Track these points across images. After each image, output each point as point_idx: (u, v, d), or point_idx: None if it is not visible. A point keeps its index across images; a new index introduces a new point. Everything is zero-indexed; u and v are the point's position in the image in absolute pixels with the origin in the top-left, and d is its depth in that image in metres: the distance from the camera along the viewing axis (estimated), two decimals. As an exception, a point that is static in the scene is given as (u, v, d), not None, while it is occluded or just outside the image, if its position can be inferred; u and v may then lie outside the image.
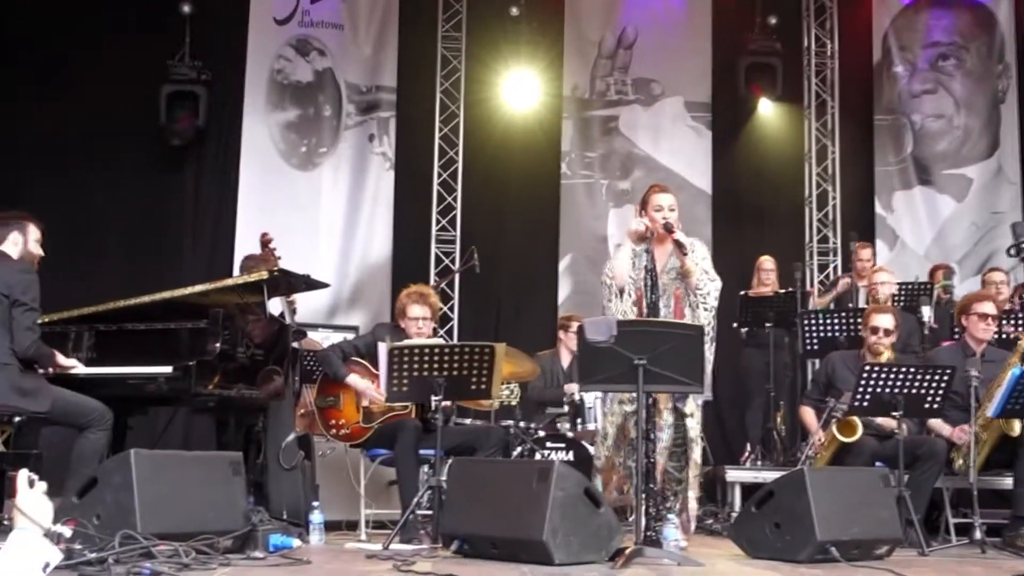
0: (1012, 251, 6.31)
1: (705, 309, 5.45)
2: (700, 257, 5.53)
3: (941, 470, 6.06)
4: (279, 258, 7.31)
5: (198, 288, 5.82)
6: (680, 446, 5.56)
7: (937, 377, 5.66)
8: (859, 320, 7.14)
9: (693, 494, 5.62)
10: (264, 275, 5.85)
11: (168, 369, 5.46)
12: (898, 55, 10.92)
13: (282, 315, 7.10)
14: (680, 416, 5.53)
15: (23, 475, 2.66)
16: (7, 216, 5.43)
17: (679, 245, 5.37)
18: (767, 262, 8.97)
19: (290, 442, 5.97)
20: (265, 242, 7.38)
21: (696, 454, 5.57)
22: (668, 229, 5.39)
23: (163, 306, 5.73)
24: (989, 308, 6.47)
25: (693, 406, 5.53)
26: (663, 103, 10.76)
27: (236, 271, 7.95)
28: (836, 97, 10.91)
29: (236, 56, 10.22)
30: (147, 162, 10.07)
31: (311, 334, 7.91)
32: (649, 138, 10.72)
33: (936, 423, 6.18)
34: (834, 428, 6.04)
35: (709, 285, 5.47)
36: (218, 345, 5.54)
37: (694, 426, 5.53)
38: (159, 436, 6.34)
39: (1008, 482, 6.22)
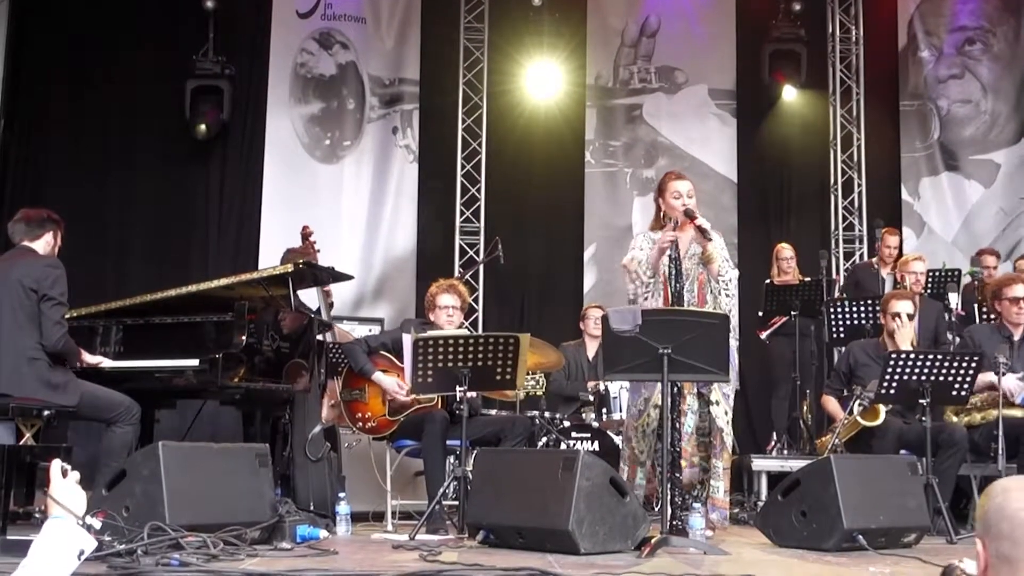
0: None
1: (727, 295, 5.45)
2: (719, 246, 5.52)
3: (964, 457, 6.02)
4: (318, 251, 7.39)
5: (223, 281, 5.85)
6: (705, 435, 5.52)
7: (965, 363, 5.61)
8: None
9: (722, 485, 5.49)
10: (289, 268, 5.87)
11: (195, 362, 5.49)
12: (924, 40, 10.83)
13: (319, 310, 7.17)
14: (705, 403, 5.49)
15: (56, 464, 2.68)
16: (46, 216, 5.47)
17: (702, 231, 5.35)
18: (785, 250, 8.94)
19: (316, 434, 6.00)
20: (306, 235, 7.46)
21: (725, 444, 5.50)
22: (690, 215, 5.39)
23: (189, 300, 5.77)
24: (1021, 291, 6.41)
25: (719, 394, 5.47)
26: (687, 91, 10.72)
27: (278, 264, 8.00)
28: (861, 83, 10.84)
29: (259, 50, 10.27)
30: (173, 157, 10.15)
31: (339, 326, 7.94)
32: (673, 126, 10.69)
33: (1012, 382, 6.10)
34: (856, 412, 6.00)
35: (730, 272, 5.48)
36: (244, 338, 5.56)
37: (720, 415, 5.47)
38: (187, 429, 6.38)
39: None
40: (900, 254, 8.44)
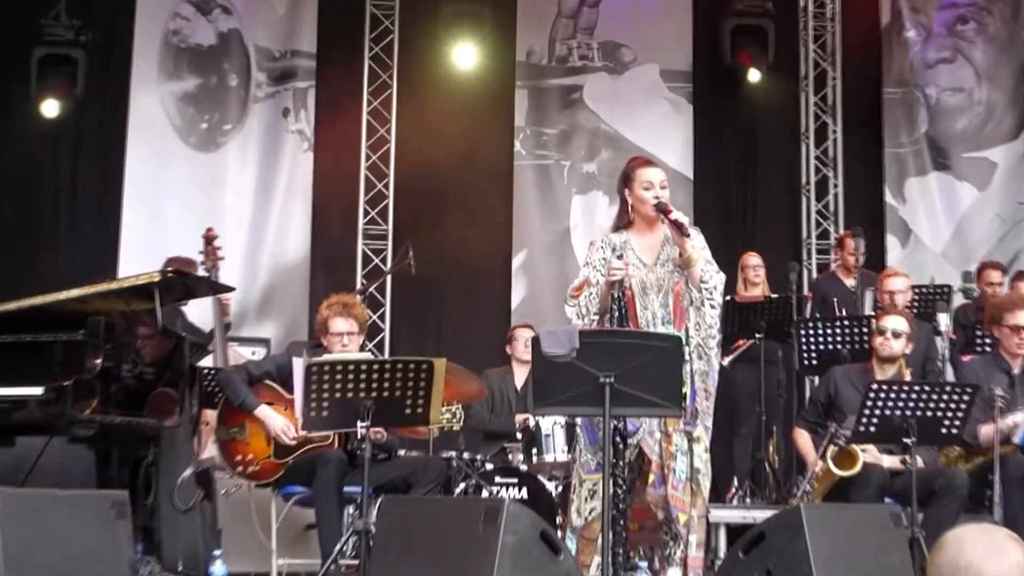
0: None
1: (712, 306, 5.28)
2: (700, 247, 5.35)
3: (962, 506, 6.10)
4: (222, 259, 7.29)
5: (75, 292, 5.74)
6: (692, 477, 5.42)
7: (956, 396, 5.69)
8: (865, 330, 7.21)
9: (695, 539, 5.37)
10: (155, 277, 5.78)
11: (38, 390, 5.38)
12: (910, 17, 11.05)
13: (212, 332, 7.08)
14: (689, 440, 5.39)
15: None
16: None
17: (678, 227, 5.17)
18: (752, 258, 9.00)
19: (186, 478, 5.92)
20: (209, 238, 7.35)
21: (703, 489, 5.41)
22: (662, 209, 5.25)
23: (32, 314, 5.65)
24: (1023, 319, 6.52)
25: (701, 429, 5.32)
26: (635, 71, 10.82)
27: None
28: (838, 66, 11.03)
29: (123, 14, 10.16)
30: (15, 138, 9.99)
31: (235, 348, 7.86)
32: (619, 112, 10.78)
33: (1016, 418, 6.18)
34: (829, 458, 6.06)
35: (715, 277, 5.29)
36: (99, 361, 5.47)
37: (701, 454, 5.33)
38: (28, 472, 6.24)
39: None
40: (870, 261, 8.54)
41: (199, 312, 7.54)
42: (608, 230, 5.58)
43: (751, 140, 10.96)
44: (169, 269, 6.00)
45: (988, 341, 7.11)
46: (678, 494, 5.26)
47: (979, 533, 2.16)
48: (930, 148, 10.96)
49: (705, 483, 5.36)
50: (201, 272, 7.14)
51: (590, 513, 5.29)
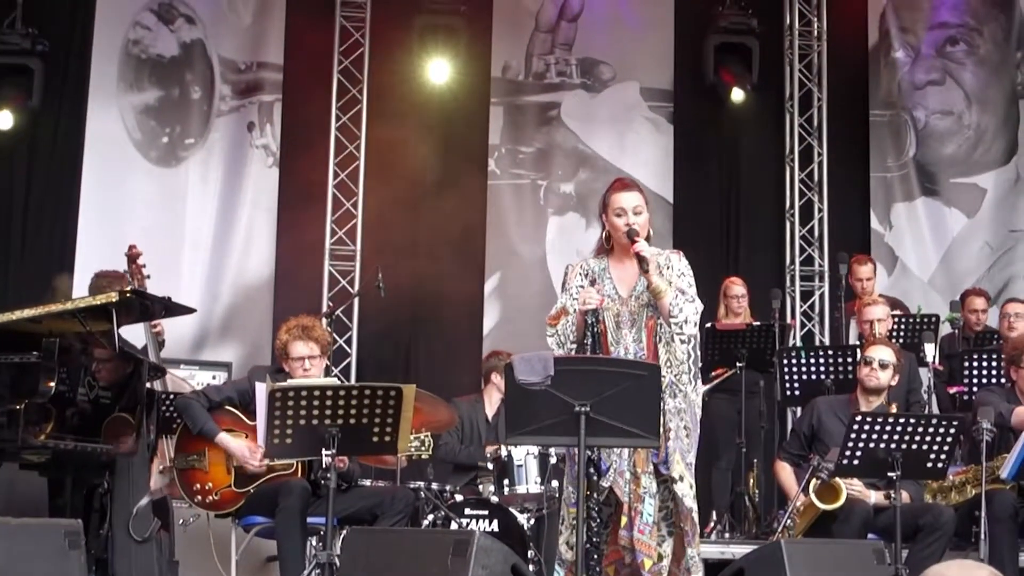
0: None
1: (682, 341, 5.25)
2: (677, 274, 5.33)
3: (947, 543, 6.15)
4: (147, 277, 7.27)
5: (27, 312, 5.71)
6: (667, 519, 5.39)
7: (943, 429, 5.74)
8: (849, 360, 7.27)
9: None
10: (113, 297, 5.77)
11: (-12, 415, 5.36)
12: (898, 38, 11.15)
13: (145, 348, 7.05)
14: (665, 480, 5.35)
15: None
16: None
17: (640, 260, 5.19)
18: (736, 286, 9.01)
19: (143, 508, 5.89)
20: (132, 256, 7.33)
21: (696, 528, 5.30)
22: (631, 237, 5.26)
23: (-18, 335, 5.64)
24: None
25: (681, 467, 5.25)
26: (614, 89, 10.88)
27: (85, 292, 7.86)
28: (824, 87, 11.10)
29: (81, 23, 10.16)
30: (-36, 152, 9.94)
31: (173, 371, 7.83)
32: (596, 131, 10.84)
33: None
34: (812, 491, 6.10)
35: (686, 309, 5.22)
36: (53, 384, 5.45)
37: (686, 492, 5.24)
38: (-26, 500, 6.22)
39: (1024, 559, 6.36)
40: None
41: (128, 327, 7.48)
42: (587, 254, 5.59)
43: (734, 162, 11.01)
44: (127, 289, 5.98)
45: (975, 372, 7.17)
46: (644, 538, 5.24)
47: (960, 570, 2.18)
48: (918, 173, 11.04)
49: (697, 519, 5.30)
50: None
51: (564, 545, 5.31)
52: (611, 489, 5.26)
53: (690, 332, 5.25)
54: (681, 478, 5.25)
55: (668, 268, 5.31)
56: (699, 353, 5.41)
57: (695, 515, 5.28)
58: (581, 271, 5.44)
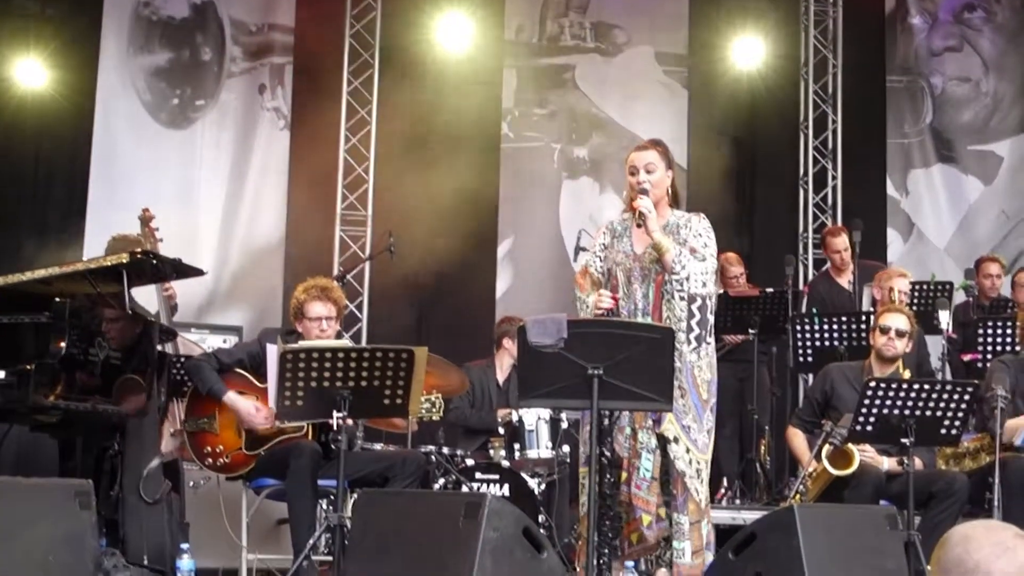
0: None
1: (681, 297, 5.27)
2: (693, 233, 5.41)
3: (961, 510, 6.16)
4: (160, 240, 7.28)
5: (39, 273, 5.72)
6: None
7: (957, 396, 5.73)
8: (863, 326, 7.26)
9: (688, 547, 5.38)
10: (124, 258, 5.78)
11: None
12: (915, 3, 11.12)
13: (158, 313, 7.07)
14: (663, 440, 5.38)
15: None
16: None
17: (639, 215, 5.27)
18: (733, 265, 8.98)
19: (153, 469, 5.91)
20: (146, 219, 7.36)
21: (695, 493, 5.35)
22: (642, 192, 5.34)
23: (-7, 295, 5.65)
24: None
25: (676, 428, 5.32)
26: (629, 54, 10.85)
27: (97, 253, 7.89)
28: (839, 53, 11.07)
29: (91, -16, 10.12)
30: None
31: (184, 335, 7.85)
32: (611, 96, 10.82)
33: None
34: (825, 457, 6.10)
35: (690, 266, 5.28)
36: (63, 345, 5.46)
37: (680, 454, 5.30)
38: (-14, 460, 6.25)
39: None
40: (855, 254, 8.58)
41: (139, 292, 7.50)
42: (600, 219, 5.66)
43: (748, 128, 10.99)
44: (139, 251, 5.98)
45: (990, 339, 7.16)
46: (641, 493, 5.30)
47: (986, 531, 2.16)
48: (935, 140, 11.03)
49: (695, 485, 5.34)
50: None
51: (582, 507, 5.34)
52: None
53: (695, 291, 5.29)
54: (676, 440, 5.31)
55: (687, 227, 5.37)
56: (710, 317, 5.39)
57: (688, 480, 5.32)
58: (607, 229, 5.58)
